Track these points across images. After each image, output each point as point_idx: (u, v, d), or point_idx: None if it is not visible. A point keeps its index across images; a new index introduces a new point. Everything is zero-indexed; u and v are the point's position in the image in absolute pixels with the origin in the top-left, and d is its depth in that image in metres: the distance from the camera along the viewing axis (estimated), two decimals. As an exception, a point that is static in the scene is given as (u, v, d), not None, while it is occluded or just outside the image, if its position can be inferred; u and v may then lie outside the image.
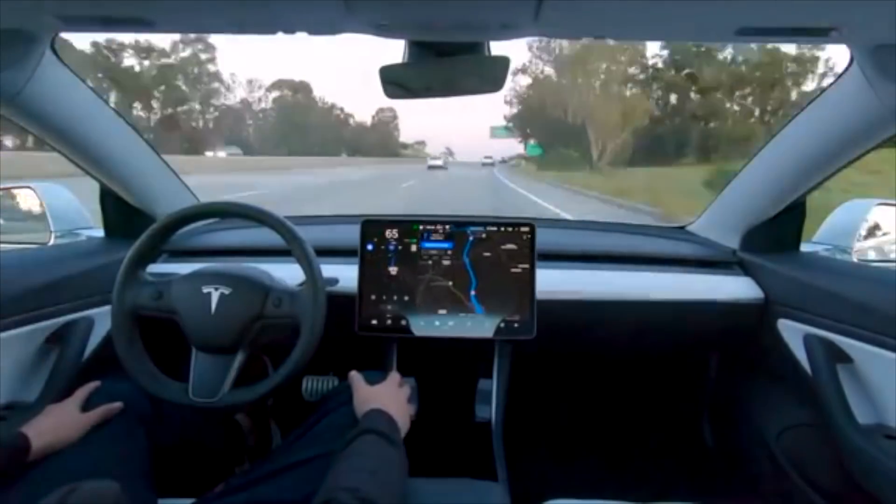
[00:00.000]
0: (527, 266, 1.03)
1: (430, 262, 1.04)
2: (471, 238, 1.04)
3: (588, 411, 1.50)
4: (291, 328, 0.86)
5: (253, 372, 0.90)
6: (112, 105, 1.01)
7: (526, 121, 34.36)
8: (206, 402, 0.83)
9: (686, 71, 25.39)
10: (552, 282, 1.08)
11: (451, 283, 1.03)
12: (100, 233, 1.20)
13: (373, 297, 1.03)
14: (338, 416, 0.81)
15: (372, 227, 1.04)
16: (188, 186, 1.27)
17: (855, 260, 1.15)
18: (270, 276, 0.92)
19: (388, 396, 0.81)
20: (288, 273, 0.94)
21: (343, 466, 0.63)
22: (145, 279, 0.88)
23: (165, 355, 0.90)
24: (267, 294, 0.87)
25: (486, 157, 48.99)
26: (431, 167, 31.56)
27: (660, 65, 26.76)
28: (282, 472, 0.75)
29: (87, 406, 0.80)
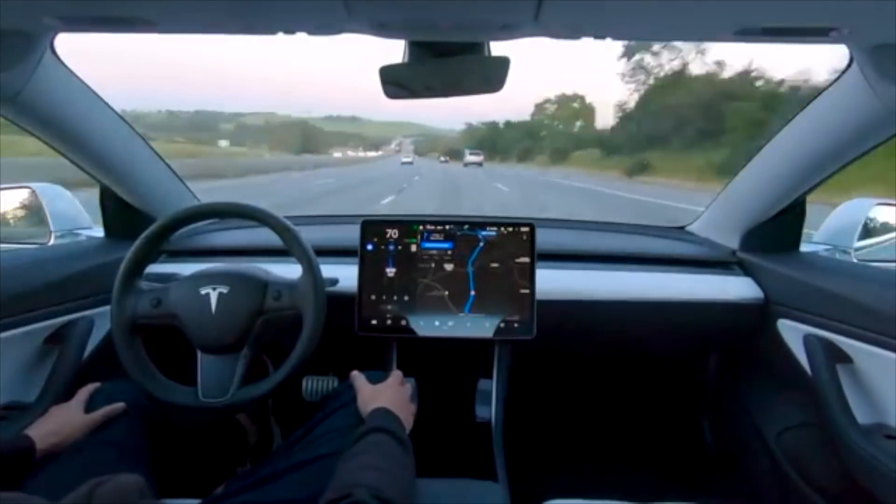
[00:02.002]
0: (527, 266, 1.03)
1: (429, 262, 1.04)
2: (470, 238, 1.04)
3: (588, 411, 1.50)
4: (294, 320, 0.86)
5: (254, 372, 0.90)
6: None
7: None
8: (216, 402, 0.84)
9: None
10: (552, 282, 1.08)
11: (450, 283, 1.03)
12: (100, 233, 1.20)
13: (373, 297, 1.03)
14: (339, 417, 0.81)
15: (372, 227, 1.04)
16: (188, 186, 1.27)
17: (855, 260, 1.15)
18: (267, 272, 0.92)
19: (391, 395, 0.81)
20: (288, 272, 0.94)
21: (355, 464, 0.63)
22: (143, 288, 0.88)
23: (169, 360, 0.90)
24: (265, 288, 0.87)
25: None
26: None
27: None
28: (285, 472, 0.75)
29: (89, 407, 0.80)
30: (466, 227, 1.04)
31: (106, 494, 0.52)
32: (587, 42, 0.65)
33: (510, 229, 1.04)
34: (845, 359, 0.90)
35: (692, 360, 1.37)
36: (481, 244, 1.04)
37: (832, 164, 0.91)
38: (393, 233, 1.04)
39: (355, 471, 0.61)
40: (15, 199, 1.30)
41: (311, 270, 0.86)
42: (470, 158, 35.83)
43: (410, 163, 37.91)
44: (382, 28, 0.64)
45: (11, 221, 1.32)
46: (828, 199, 1.30)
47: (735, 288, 1.11)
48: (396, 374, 0.88)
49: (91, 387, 0.84)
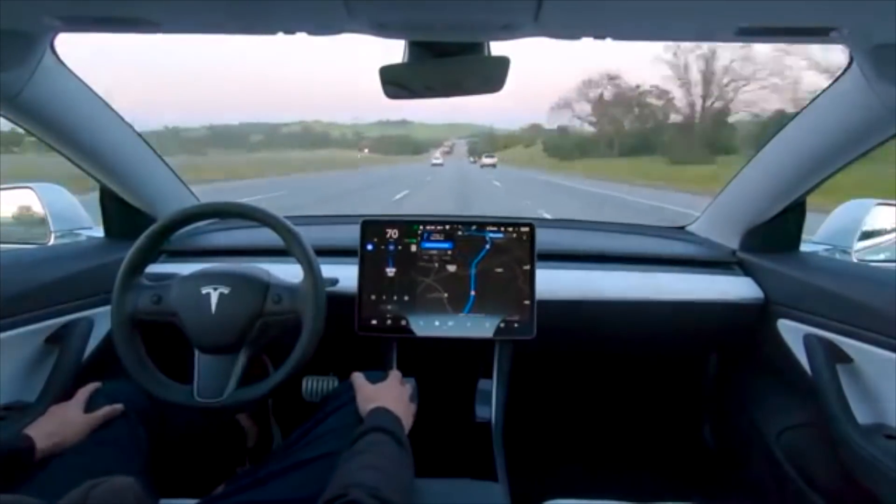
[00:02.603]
0: (527, 266, 1.02)
1: (429, 262, 1.04)
2: (470, 238, 1.04)
3: (588, 411, 1.50)
4: (293, 324, 0.86)
5: (253, 372, 0.90)
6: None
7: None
8: (211, 402, 0.84)
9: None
10: (552, 282, 1.08)
11: (451, 284, 1.03)
12: (100, 233, 1.20)
13: (373, 297, 1.03)
14: (340, 417, 0.81)
15: (372, 227, 1.04)
16: (188, 186, 1.27)
17: (855, 260, 1.15)
18: (269, 274, 0.92)
19: (390, 395, 0.81)
20: (288, 273, 0.94)
21: (353, 464, 0.63)
22: (144, 284, 0.88)
23: (168, 358, 0.90)
24: (266, 291, 0.87)
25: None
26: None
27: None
28: (285, 472, 0.75)
29: (88, 407, 0.80)
30: (466, 227, 1.04)
31: (100, 497, 0.52)
32: (587, 42, 0.65)
33: (510, 229, 1.03)
34: (845, 359, 0.90)
35: (692, 359, 1.37)
36: (481, 244, 1.04)
37: (832, 164, 0.91)
38: (393, 233, 1.04)
39: (353, 471, 0.61)
40: (15, 199, 1.30)
41: (312, 273, 0.86)
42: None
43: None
44: (382, 28, 0.64)
45: (12, 221, 1.32)
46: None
47: (735, 288, 1.11)
48: (395, 374, 0.88)
49: (91, 387, 0.84)
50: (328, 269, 0.93)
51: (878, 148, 0.84)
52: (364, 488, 0.56)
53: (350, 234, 1.07)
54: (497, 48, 0.74)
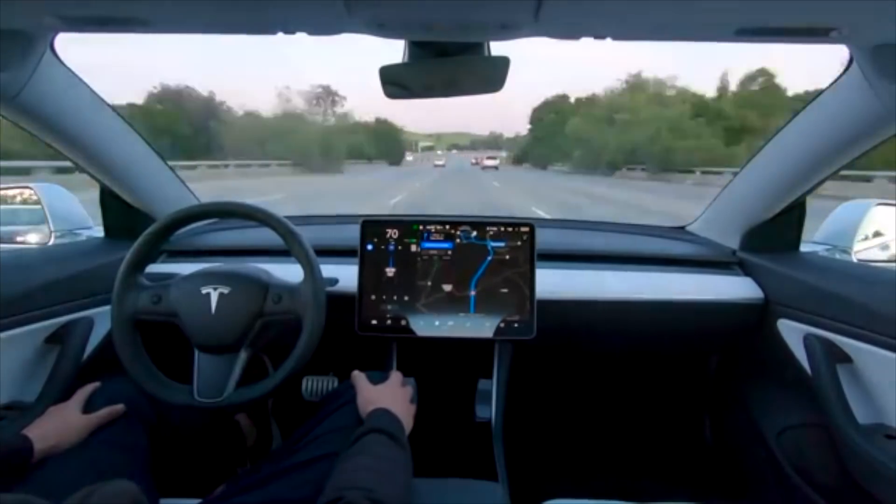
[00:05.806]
0: (527, 266, 1.03)
1: (429, 262, 1.04)
2: (470, 238, 1.04)
3: (588, 411, 1.50)
4: (293, 324, 0.86)
5: (253, 372, 0.90)
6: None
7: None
8: (211, 402, 0.84)
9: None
10: (552, 282, 1.08)
11: (451, 284, 1.03)
12: (100, 233, 1.20)
13: (373, 297, 1.03)
14: (340, 417, 0.81)
15: (372, 227, 1.04)
16: (188, 186, 1.27)
17: (855, 260, 1.15)
18: (269, 274, 0.92)
19: (391, 396, 0.81)
20: (288, 273, 0.94)
21: (351, 464, 0.63)
22: (144, 284, 0.88)
23: (168, 358, 0.90)
24: (266, 291, 0.87)
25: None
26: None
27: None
28: (285, 472, 0.75)
29: (88, 407, 0.80)
30: (466, 226, 1.04)
31: (98, 502, 0.52)
32: (587, 42, 0.65)
33: (510, 229, 1.03)
34: (845, 359, 0.90)
35: (692, 359, 1.37)
36: (481, 244, 1.03)
37: (832, 163, 0.91)
38: (393, 233, 1.04)
39: (350, 472, 0.61)
40: (15, 199, 1.30)
41: (312, 273, 0.86)
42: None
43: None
44: (382, 28, 0.64)
45: (12, 221, 1.32)
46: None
47: (735, 288, 1.11)
48: (396, 375, 0.88)
49: (90, 387, 0.84)
50: (328, 270, 0.93)
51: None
52: (361, 490, 0.56)
53: (350, 234, 1.07)
54: (497, 48, 0.74)
